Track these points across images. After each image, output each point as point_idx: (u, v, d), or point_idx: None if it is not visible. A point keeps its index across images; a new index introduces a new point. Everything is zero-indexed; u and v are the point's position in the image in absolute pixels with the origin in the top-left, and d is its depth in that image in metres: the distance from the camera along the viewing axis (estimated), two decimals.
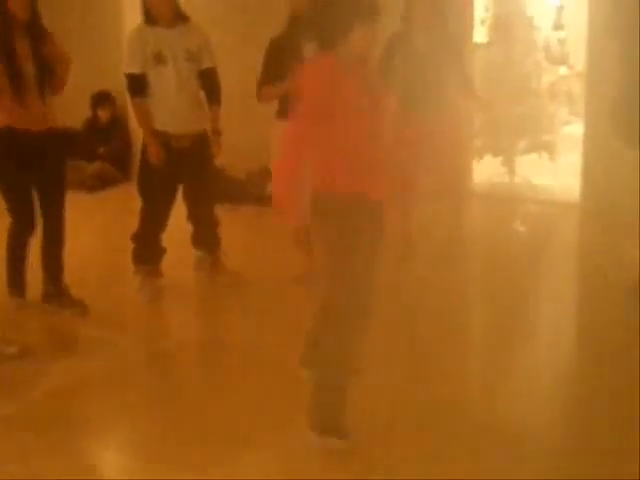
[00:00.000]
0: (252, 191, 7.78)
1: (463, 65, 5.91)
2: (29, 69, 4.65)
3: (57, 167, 4.95)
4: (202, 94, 5.31)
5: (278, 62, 5.14)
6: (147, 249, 5.38)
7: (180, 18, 5.11)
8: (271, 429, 3.62)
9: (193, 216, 5.47)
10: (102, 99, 9.10)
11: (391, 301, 5.06)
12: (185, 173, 5.24)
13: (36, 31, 4.67)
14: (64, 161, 5.07)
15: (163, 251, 5.46)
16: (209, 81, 5.28)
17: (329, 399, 3.50)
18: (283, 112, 5.23)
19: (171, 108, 5.09)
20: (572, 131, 9.17)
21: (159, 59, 5.01)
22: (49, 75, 4.75)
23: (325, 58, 3.41)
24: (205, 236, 5.52)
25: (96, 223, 7.22)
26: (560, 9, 11.42)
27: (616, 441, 3.48)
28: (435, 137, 5.70)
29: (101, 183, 8.67)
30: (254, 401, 3.90)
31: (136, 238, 5.37)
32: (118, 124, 9.34)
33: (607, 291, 5.27)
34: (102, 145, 9.05)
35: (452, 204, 6.03)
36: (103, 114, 9.18)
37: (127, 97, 8.64)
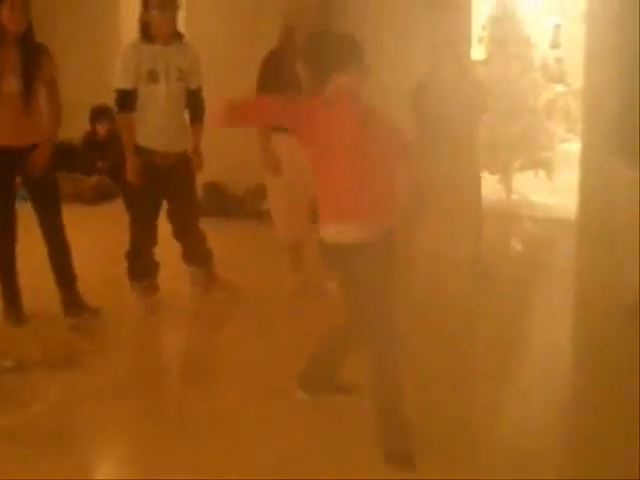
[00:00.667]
0: (249, 207, 7.80)
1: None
2: (13, 85, 4.62)
3: (49, 180, 4.93)
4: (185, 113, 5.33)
5: (273, 79, 5.16)
6: (141, 265, 5.37)
7: (175, 36, 5.11)
8: (269, 442, 3.61)
9: (180, 233, 5.43)
10: (101, 113, 9.10)
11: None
12: (169, 191, 5.23)
13: (28, 45, 4.66)
14: (55, 174, 5.05)
15: (157, 266, 5.45)
16: (195, 101, 5.27)
17: (398, 423, 3.49)
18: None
19: (159, 125, 5.07)
20: (569, 149, 9.22)
21: (152, 77, 4.99)
22: (42, 91, 4.77)
23: (316, 101, 3.44)
24: (195, 251, 5.49)
25: (94, 236, 7.21)
26: (557, 27, 11.51)
27: (616, 455, 3.49)
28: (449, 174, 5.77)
29: (99, 197, 8.68)
30: (252, 415, 3.89)
31: (129, 255, 5.36)
32: (117, 138, 9.31)
33: (605, 309, 5.27)
34: (100, 159, 9.06)
35: (472, 223, 6.06)
36: (102, 128, 9.19)
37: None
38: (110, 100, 8.83)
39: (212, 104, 3.28)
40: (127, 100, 5.05)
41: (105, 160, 9.01)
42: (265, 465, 3.46)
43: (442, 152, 5.65)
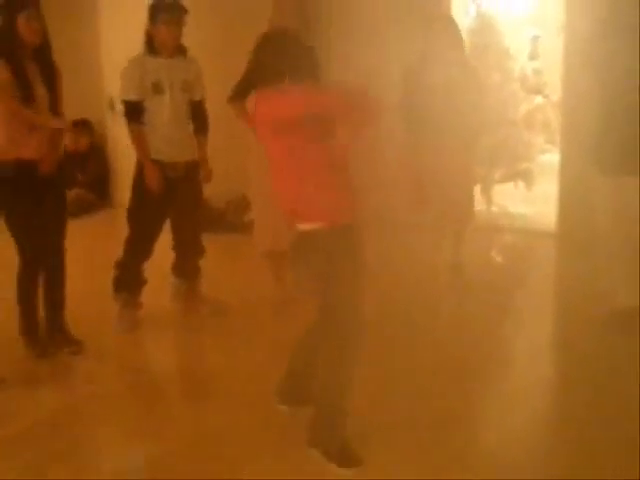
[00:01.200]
0: (231, 219, 7.80)
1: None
2: (42, 94, 4.53)
3: (62, 198, 4.83)
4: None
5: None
6: (129, 277, 5.36)
7: (179, 50, 5.16)
8: (256, 457, 3.62)
9: (179, 244, 5.45)
10: (80, 126, 9.11)
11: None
12: (176, 202, 5.23)
13: (45, 56, 4.57)
14: (64, 189, 4.96)
15: (144, 282, 5.43)
16: (199, 112, 5.34)
17: (339, 424, 3.56)
18: None
19: (166, 137, 5.11)
20: (548, 160, 9.26)
21: (157, 88, 5.04)
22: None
23: (271, 93, 3.48)
24: (187, 265, 5.51)
25: (74, 250, 7.16)
26: (536, 39, 11.56)
27: (599, 462, 3.51)
28: (447, 160, 5.76)
29: (79, 210, 8.64)
30: (238, 430, 3.88)
31: (119, 266, 5.34)
32: (96, 151, 9.36)
33: (584, 319, 5.29)
34: (80, 172, 9.05)
35: (459, 230, 6.07)
36: (81, 141, 9.18)
37: (108, 125, 8.86)
38: (90, 114, 8.93)
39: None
40: (136, 111, 5.07)
41: (85, 173, 9.00)
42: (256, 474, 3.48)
43: (434, 137, 5.70)
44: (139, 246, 5.28)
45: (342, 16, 7.92)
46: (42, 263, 4.77)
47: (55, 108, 4.64)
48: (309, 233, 3.53)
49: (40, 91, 4.54)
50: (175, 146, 5.14)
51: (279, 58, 3.48)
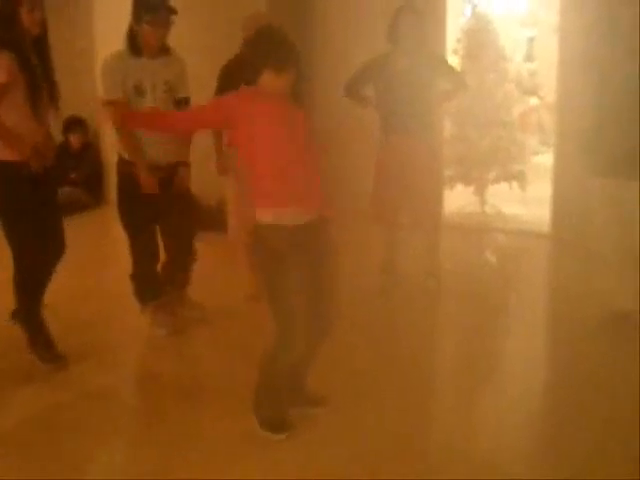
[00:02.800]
0: (222, 218, 7.75)
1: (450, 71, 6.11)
2: (42, 86, 4.39)
3: (54, 194, 4.70)
4: None
5: (229, 85, 5.11)
6: (147, 286, 5.22)
7: (163, 49, 4.97)
8: (246, 459, 3.61)
9: (169, 249, 5.26)
10: (74, 124, 9.09)
11: (366, 332, 5.08)
12: (162, 204, 5.04)
13: (44, 46, 4.42)
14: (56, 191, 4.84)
15: (163, 285, 5.26)
16: (183, 110, 5.10)
17: (275, 398, 3.79)
18: None
19: (148, 139, 4.89)
20: (542, 161, 9.27)
21: (139, 91, 4.85)
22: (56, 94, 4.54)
23: (245, 92, 3.67)
24: (177, 271, 5.34)
25: (67, 248, 7.15)
26: (531, 41, 11.59)
27: (590, 468, 3.49)
28: (415, 160, 5.75)
29: (72, 208, 8.60)
30: (229, 432, 3.86)
31: (134, 278, 5.23)
32: (90, 149, 9.34)
33: (578, 321, 5.29)
34: (73, 170, 9.02)
35: (429, 234, 6.05)
36: (75, 139, 9.16)
37: (101, 123, 8.81)
38: (83, 111, 8.87)
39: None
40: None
41: (78, 171, 8.98)
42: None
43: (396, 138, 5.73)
44: (142, 252, 5.13)
45: (337, 13, 7.94)
46: (41, 269, 4.64)
47: (56, 102, 4.53)
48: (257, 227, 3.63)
49: (42, 85, 4.39)
50: (158, 148, 4.92)
51: (258, 53, 3.57)
